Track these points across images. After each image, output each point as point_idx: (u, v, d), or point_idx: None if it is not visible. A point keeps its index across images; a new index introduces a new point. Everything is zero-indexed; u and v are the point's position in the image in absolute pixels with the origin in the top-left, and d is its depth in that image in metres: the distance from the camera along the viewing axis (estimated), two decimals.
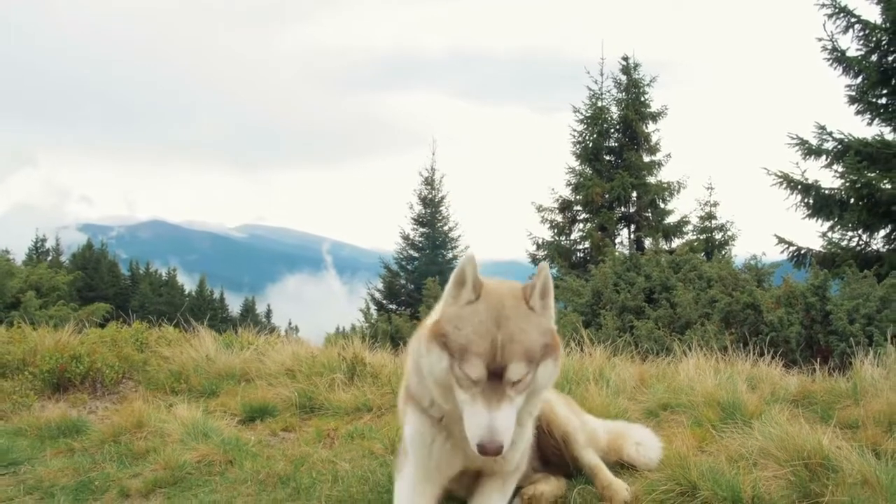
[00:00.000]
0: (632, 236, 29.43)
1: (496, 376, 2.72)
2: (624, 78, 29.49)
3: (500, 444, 2.69)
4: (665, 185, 28.93)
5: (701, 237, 27.83)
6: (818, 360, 7.19)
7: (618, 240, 29.30)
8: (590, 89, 29.79)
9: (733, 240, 28.09)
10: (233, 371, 7.01)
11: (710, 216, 29.01)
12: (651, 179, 29.16)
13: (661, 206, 29.17)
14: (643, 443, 4.34)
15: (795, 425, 4.20)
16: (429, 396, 3.14)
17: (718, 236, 28.28)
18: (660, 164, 29.52)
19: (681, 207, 29.95)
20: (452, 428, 3.13)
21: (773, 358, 6.77)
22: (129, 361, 7.28)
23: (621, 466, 4.32)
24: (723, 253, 24.65)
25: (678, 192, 29.07)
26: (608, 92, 29.85)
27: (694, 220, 28.80)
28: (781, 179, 17.01)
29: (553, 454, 4.00)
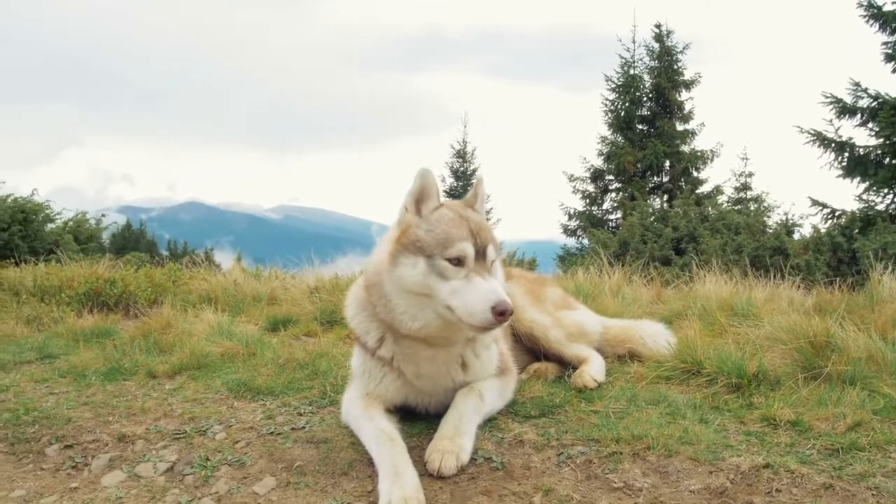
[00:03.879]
0: (665, 206, 29.19)
1: (480, 255, 2.93)
2: (657, 45, 29.09)
3: (511, 304, 2.80)
4: (698, 154, 28.59)
5: (735, 208, 27.52)
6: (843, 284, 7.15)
7: (655, 209, 29.05)
8: (622, 57, 29.44)
9: (769, 211, 27.77)
10: (259, 295, 7.25)
11: (746, 187, 28.68)
12: (684, 148, 28.80)
13: (695, 174, 28.85)
14: (653, 336, 4.43)
15: (805, 317, 4.25)
16: (374, 334, 3.24)
17: (753, 207, 27.95)
18: (693, 133, 29.12)
19: (714, 177, 29.59)
20: (404, 368, 3.23)
21: (793, 284, 6.77)
22: (162, 287, 7.53)
23: (630, 357, 4.42)
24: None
25: (711, 160, 28.71)
26: (640, 60, 29.50)
27: (728, 190, 28.50)
28: (814, 138, 16.69)
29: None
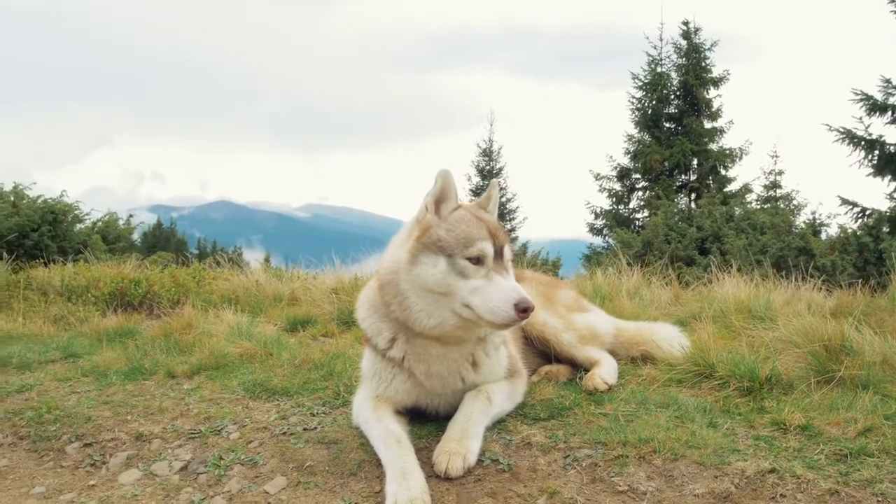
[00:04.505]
0: (692, 205, 28.88)
1: (498, 255, 3.02)
2: (684, 43, 28.79)
3: (531, 301, 2.87)
4: (727, 152, 28.26)
5: (765, 206, 27.13)
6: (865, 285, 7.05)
7: (682, 209, 28.69)
8: (648, 55, 29.18)
9: (799, 209, 27.33)
10: (280, 295, 7.35)
11: (775, 185, 28.29)
12: (712, 146, 28.48)
13: (723, 173, 28.53)
14: (667, 338, 4.42)
15: (821, 319, 4.21)
16: (386, 334, 3.28)
17: (783, 206, 27.53)
18: (721, 131, 28.75)
19: (743, 175, 29.24)
20: (415, 368, 3.26)
21: (815, 286, 6.70)
22: (185, 287, 7.66)
23: (644, 360, 4.42)
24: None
25: (740, 158, 28.36)
26: (668, 57, 29.21)
27: (758, 188, 28.16)
28: (843, 136, 16.41)
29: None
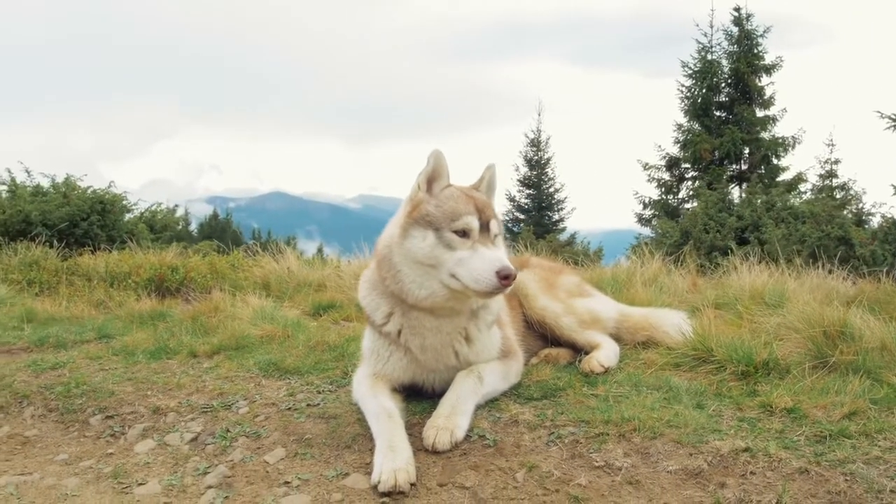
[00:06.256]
0: (743, 195, 28.29)
1: (484, 229, 3.17)
2: (735, 29, 28.19)
3: (514, 269, 3.02)
4: (779, 141, 27.58)
5: (820, 196, 26.42)
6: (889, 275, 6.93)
7: (728, 199, 28.14)
8: (699, 43, 28.64)
9: (856, 199, 26.53)
10: (310, 282, 7.59)
11: (831, 174, 27.53)
12: (764, 135, 27.84)
13: (775, 162, 27.88)
14: (673, 324, 4.46)
15: (826, 306, 4.21)
16: (384, 309, 3.43)
17: (839, 195, 26.79)
18: (774, 119, 28.01)
19: (796, 164, 28.47)
20: (410, 342, 3.41)
21: (842, 275, 6.62)
22: (221, 273, 7.95)
23: (650, 345, 4.48)
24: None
25: (793, 147, 27.66)
26: (718, 45, 28.60)
27: (812, 178, 27.43)
28: (894, 123, 15.99)
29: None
